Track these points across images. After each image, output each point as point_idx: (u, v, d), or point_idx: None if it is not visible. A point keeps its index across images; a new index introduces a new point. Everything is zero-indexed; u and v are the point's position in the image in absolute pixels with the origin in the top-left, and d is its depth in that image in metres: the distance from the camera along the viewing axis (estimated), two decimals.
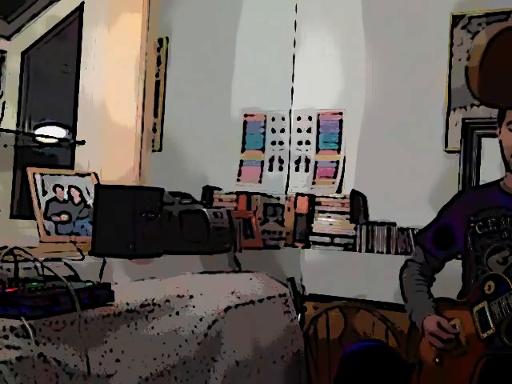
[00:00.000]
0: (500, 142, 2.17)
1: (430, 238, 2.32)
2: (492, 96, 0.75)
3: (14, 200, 3.40)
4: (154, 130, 3.84)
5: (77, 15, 3.33)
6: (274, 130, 3.67)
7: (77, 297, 1.53)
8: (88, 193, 2.46)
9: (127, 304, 1.77)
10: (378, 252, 3.14)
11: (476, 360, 1.98)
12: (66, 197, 2.40)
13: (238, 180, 3.69)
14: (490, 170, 2.88)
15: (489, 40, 0.70)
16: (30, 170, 2.35)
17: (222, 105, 3.78)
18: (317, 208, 3.33)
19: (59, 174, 2.44)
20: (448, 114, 3.20)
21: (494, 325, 1.97)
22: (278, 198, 3.45)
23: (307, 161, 3.54)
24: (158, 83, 3.90)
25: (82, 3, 3.28)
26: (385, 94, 3.37)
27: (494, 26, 0.72)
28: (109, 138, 3.21)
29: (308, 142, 3.56)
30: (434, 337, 2.07)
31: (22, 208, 3.33)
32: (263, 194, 3.46)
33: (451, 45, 3.20)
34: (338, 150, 3.48)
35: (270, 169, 3.65)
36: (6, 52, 3.49)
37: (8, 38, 3.47)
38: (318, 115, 3.55)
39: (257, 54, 3.71)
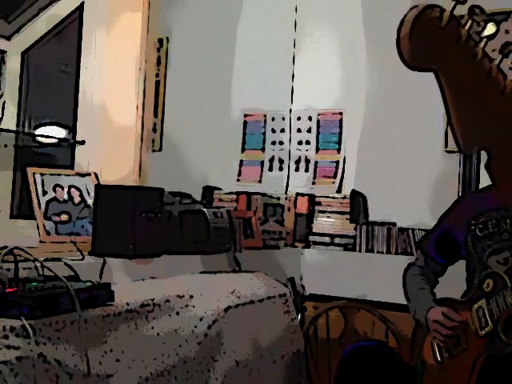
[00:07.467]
0: None
1: (432, 246, 2.33)
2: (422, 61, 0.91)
3: (14, 200, 3.40)
4: (154, 130, 3.84)
5: (77, 15, 3.33)
6: (274, 130, 3.67)
7: (77, 297, 1.53)
8: (88, 193, 2.46)
9: (127, 304, 1.77)
10: (378, 252, 3.13)
11: (475, 358, 1.98)
12: (66, 197, 2.40)
13: (238, 180, 3.68)
14: None
15: (415, 16, 0.83)
16: (29, 170, 2.35)
17: (221, 105, 3.78)
18: (317, 208, 3.33)
19: (59, 174, 2.44)
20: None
21: (492, 322, 1.97)
22: (278, 198, 3.45)
23: (307, 161, 3.54)
24: (157, 83, 3.90)
25: (82, 3, 3.29)
26: (385, 94, 3.36)
27: (415, 9, 0.89)
28: (109, 138, 3.21)
29: (308, 142, 3.56)
30: (439, 324, 2.08)
31: (22, 208, 3.33)
32: (263, 194, 3.46)
33: None
34: (338, 150, 3.47)
35: (270, 169, 3.64)
36: (6, 52, 3.49)
37: (8, 38, 3.48)
38: (318, 115, 3.55)
39: (257, 54, 3.70)
